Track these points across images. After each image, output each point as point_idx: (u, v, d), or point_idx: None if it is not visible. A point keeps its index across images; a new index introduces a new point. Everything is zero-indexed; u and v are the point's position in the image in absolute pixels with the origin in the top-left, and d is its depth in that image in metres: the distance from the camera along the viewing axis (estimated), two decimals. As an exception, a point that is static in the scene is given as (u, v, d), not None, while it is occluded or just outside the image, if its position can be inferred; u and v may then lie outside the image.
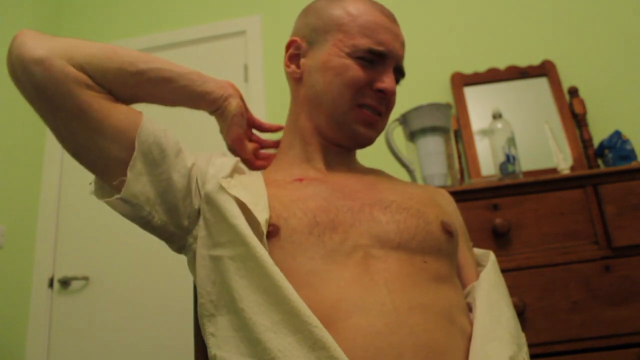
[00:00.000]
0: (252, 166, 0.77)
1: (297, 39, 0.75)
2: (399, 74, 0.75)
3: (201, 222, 0.63)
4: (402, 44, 0.74)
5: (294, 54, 0.76)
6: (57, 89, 0.56)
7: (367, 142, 0.74)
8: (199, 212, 0.64)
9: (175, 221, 0.64)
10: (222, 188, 0.61)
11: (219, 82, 0.70)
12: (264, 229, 0.57)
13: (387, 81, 0.70)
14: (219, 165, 0.66)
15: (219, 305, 0.58)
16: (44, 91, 0.56)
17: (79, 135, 0.59)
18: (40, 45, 0.56)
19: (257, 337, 0.51)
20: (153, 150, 0.61)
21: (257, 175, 0.69)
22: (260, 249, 0.54)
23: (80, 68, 0.58)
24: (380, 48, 0.69)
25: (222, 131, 0.74)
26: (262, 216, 0.58)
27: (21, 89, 0.58)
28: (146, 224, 0.63)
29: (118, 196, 0.59)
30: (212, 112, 0.72)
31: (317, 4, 0.77)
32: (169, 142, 0.63)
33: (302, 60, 0.75)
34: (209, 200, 0.62)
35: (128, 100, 0.64)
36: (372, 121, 0.72)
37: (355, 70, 0.69)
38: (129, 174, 0.59)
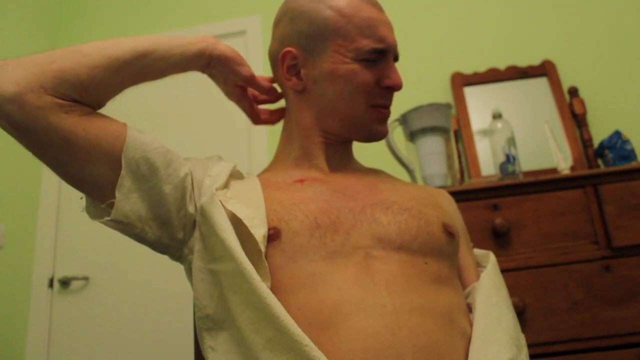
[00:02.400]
0: (258, 120, 0.78)
1: (292, 49, 0.71)
2: (395, 59, 0.74)
3: (197, 234, 0.62)
4: (392, 30, 0.73)
5: (290, 65, 0.72)
6: (37, 125, 0.53)
7: (383, 136, 0.75)
8: (194, 223, 0.63)
9: (170, 234, 0.62)
10: (215, 200, 0.59)
11: (195, 36, 0.66)
12: (262, 247, 0.55)
13: (394, 77, 0.71)
14: (215, 176, 0.64)
15: (218, 319, 0.57)
16: (25, 130, 0.54)
17: (69, 166, 0.57)
18: (9, 80, 0.52)
19: (255, 356, 0.50)
20: (141, 165, 0.58)
21: (254, 182, 0.67)
22: (248, 265, 0.52)
23: (54, 91, 0.54)
24: (382, 45, 0.69)
25: (225, 81, 0.71)
26: (259, 232, 0.56)
27: (1, 127, 0.55)
28: (140, 240, 0.62)
29: (108, 218, 0.58)
30: (205, 66, 0.67)
31: (298, 7, 0.72)
32: (157, 155, 0.60)
33: (303, 71, 0.71)
34: (204, 212, 0.60)
35: (113, 94, 0.60)
36: (385, 117, 0.74)
37: (363, 74, 0.69)
38: (117, 194, 0.57)
